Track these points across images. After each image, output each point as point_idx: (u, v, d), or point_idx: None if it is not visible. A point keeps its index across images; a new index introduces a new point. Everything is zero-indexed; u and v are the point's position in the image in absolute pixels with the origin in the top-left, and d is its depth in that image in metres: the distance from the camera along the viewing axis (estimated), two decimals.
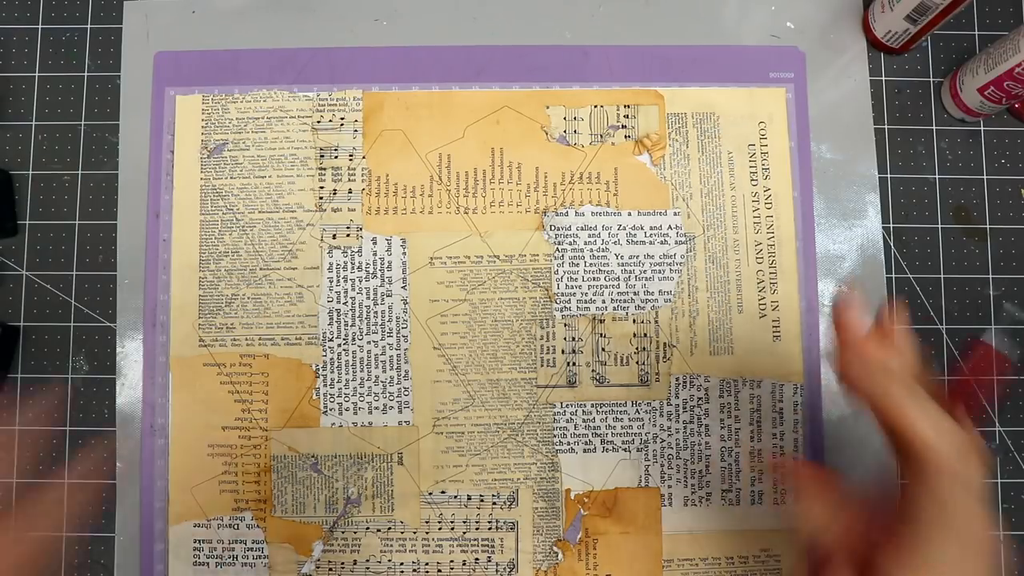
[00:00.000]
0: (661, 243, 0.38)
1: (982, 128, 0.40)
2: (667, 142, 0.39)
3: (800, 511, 0.28)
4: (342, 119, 0.39)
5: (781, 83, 0.40)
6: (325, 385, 0.38)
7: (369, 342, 0.38)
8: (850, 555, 0.26)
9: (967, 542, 0.24)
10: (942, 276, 0.39)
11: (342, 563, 0.37)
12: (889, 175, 0.39)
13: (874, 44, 0.40)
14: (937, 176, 0.40)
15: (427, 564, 0.37)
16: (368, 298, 0.38)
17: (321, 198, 0.38)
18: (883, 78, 0.40)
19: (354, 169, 0.39)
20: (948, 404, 0.25)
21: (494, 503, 0.37)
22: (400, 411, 0.37)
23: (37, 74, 0.40)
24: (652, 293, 0.38)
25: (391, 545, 0.37)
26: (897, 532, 0.25)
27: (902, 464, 0.25)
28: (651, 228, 0.38)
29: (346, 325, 0.38)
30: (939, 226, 0.39)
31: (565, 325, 0.38)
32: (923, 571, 0.24)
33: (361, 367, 0.38)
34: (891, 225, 0.39)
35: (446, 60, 0.39)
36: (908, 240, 0.39)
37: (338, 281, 0.38)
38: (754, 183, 0.39)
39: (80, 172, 0.39)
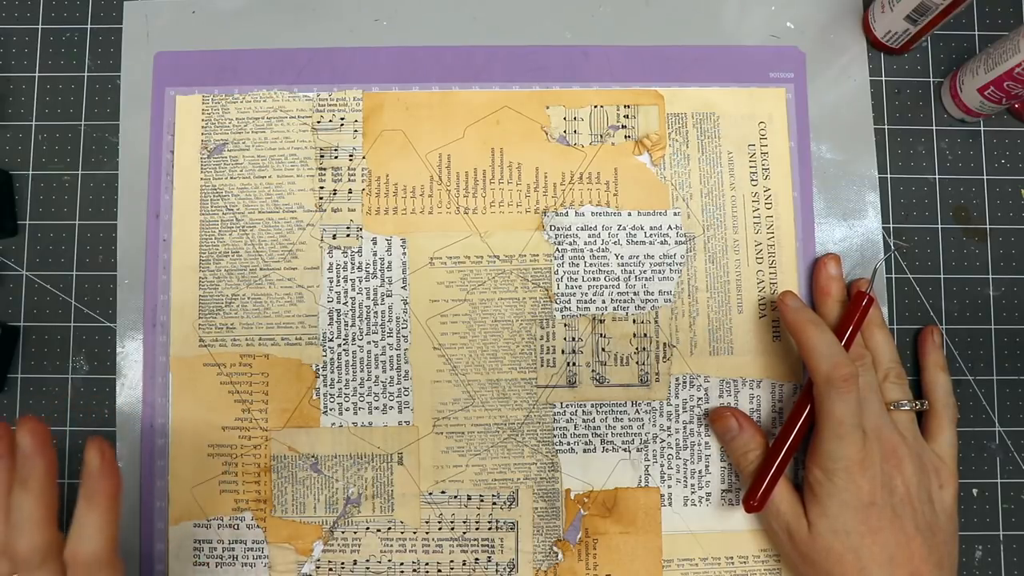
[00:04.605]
0: (661, 243, 0.38)
1: (982, 128, 0.40)
2: (667, 142, 0.39)
3: (735, 447, 0.36)
4: (342, 119, 0.39)
5: (781, 83, 0.40)
6: (325, 385, 0.38)
7: (369, 342, 0.38)
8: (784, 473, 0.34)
9: (854, 438, 0.32)
10: (942, 276, 0.39)
11: (342, 563, 0.37)
12: (889, 175, 0.39)
13: (874, 44, 0.40)
14: (937, 176, 0.40)
15: (427, 564, 0.37)
16: (368, 298, 0.38)
17: (321, 198, 0.38)
18: (883, 78, 0.40)
19: (354, 169, 0.39)
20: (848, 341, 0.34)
21: (494, 503, 0.37)
22: (400, 411, 0.37)
23: (37, 74, 0.40)
24: (652, 293, 0.38)
25: (391, 545, 0.37)
26: (814, 444, 0.33)
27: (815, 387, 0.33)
28: (651, 228, 0.38)
29: (346, 325, 0.38)
30: (939, 226, 0.39)
31: (565, 325, 0.38)
32: (822, 461, 0.32)
33: (361, 367, 0.38)
34: (891, 225, 0.39)
35: (446, 60, 0.39)
36: (908, 240, 0.39)
37: (338, 281, 0.38)
38: (754, 183, 0.39)
39: (80, 172, 0.39)
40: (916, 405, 0.35)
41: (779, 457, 0.34)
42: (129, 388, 0.38)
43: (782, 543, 0.34)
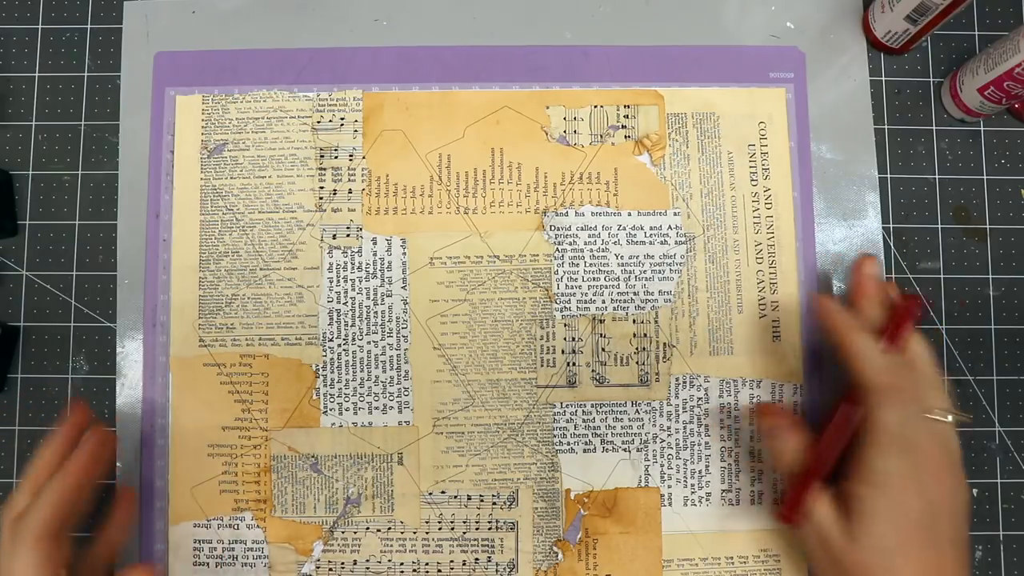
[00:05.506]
0: (661, 243, 0.38)
1: (982, 128, 0.40)
2: (667, 142, 0.39)
3: (776, 446, 0.34)
4: (342, 119, 0.39)
5: (781, 83, 0.40)
6: (325, 385, 0.38)
7: (369, 342, 0.38)
8: (824, 482, 0.32)
9: (902, 451, 0.30)
10: (942, 276, 0.39)
11: (342, 563, 0.37)
12: (889, 175, 0.39)
13: (874, 44, 0.40)
14: (937, 176, 0.40)
15: (427, 564, 0.37)
16: (368, 298, 0.38)
17: (321, 198, 0.38)
18: (883, 78, 0.40)
19: (354, 169, 0.39)
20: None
21: (494, 503, 0.37)
22: (400, 411, 0.37)
23: (37, 74, 0.40)
24: (652, 293, 0.38)
25: (391, 545, 0.37)
26: (856, 455, 0.32)
27: (859, 394, 0.32)
28: (651, 228, 0.38)
29: (346, 325, 0.38)
30: (939, 226, 0.39)
31: (565, 325, 0.38)
32: (868, 475, 0.31)
33: (361, 367, 0.38)
34: (891, 225, 0.39)
35: (446, 60, 0.39)
36: (908, 240, 0.39)
37: (338, 281, 0.38)
38: (754, 183, 0.39)
39: (80, 172, 0.39)
40: (957, 415, 0.33)
41: (820, 470, 0.32)
42: (129, 388, 0.38)
43: (812, 548, 0.32)
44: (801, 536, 0.33)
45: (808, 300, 0.38)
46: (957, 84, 0.39)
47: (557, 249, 0.38)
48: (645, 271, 0.38)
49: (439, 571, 0.37)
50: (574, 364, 0.38)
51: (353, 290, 0.38)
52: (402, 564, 0.37)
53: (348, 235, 0.38)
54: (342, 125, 0.39)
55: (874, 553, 0.30)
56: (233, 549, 0.37)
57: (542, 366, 0.38)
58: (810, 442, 0.33)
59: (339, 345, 0.38)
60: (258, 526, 0.37)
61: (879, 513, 0.31)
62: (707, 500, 0.37)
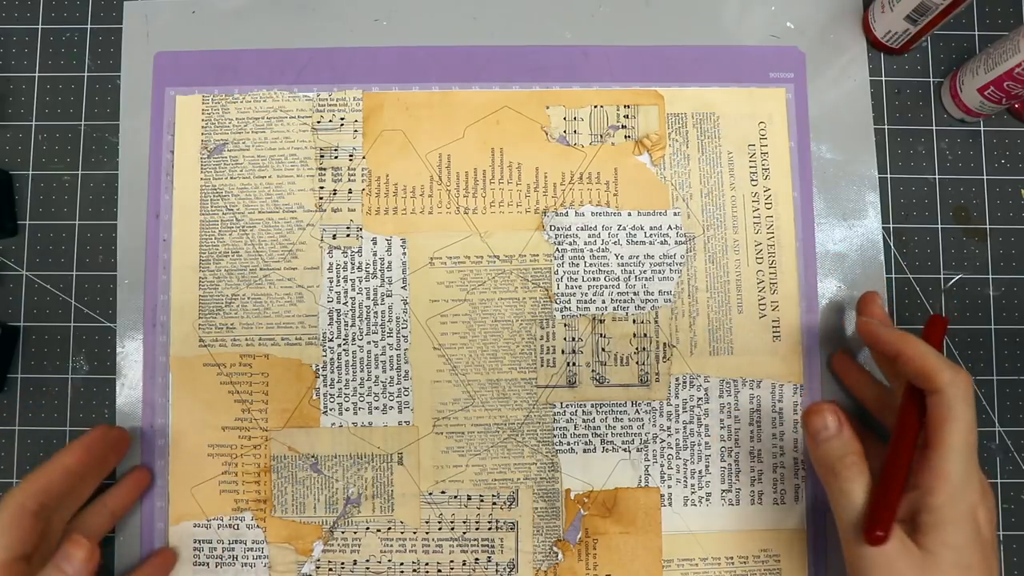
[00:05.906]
0: (661, 243, 0.38)
1: (982, 128, 0.40)
2: (667, 142, 0.39)
3: (822, 452, 0.31)
4: (342, 119, 0.39)
5: (781, 83, 0.40)
6: (325, 385, 0.38)
7: (369, 342, 0.38)
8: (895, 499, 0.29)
9: (968, 438, 0.28)
10: (942, 276, 0.39)
11: (342, 563, 0.37)
12: (889, 175, 0.39)
13: (874, 44, 0.40)
14: (937, 176, 0.40)
15: (427, 564, 0.37)
16: (368, 298, 0.38)
17: (321, 198, 0.38)
18: (883, 78, 0.40)
19: (354, 169, 0.39)
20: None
21: (494, 503, 0.37)
22: (400, 411, 0.37)
23: (37, 74, 0.40)
24: (652, 293, 0.38)
25: (391, 545, 0.37)
26: (924, 463, 0.29)
27: (925, 396, 0.30)
28: (651, 228, 0.38)
29: (346, 325, 0.38)
30: (939, 226, 0.39)
31: (565, 325, 0.38)
32: (946, 486, 0.28)
33: (361, 367, 0.38)
34: (891, 225, 0.39)
35: (446, 60, 0.39)
36: (908, 240, 0.39)
37: (338, 281, 0.38)
38: (754, 183, 0.39)
39: (80, 172, 0.39)
40: None
41: (900, 478, 0.29)
42: (129, 388, 0.38)
43: (864, 568, 0.29)
44: (855, 557, 0.29)
45: (807, 300, 0.38)
46: (957, 84, 0.39)
47: (557, 249, 0.38)
48: (645, 271, 0.38)
49: (439, 571, 0.37)
50: (574, 364, 0.38)
51: (353, 290, 0.38)
52: (402, 564, 0.37)
53: (348, 235, 0.38)
54: (342, 125, 0.39)
55: (956, 570, 0.28)
56: (233, 549, 0.37)
57: (542, 366, 0.38)
58: (858, 447, 0.30)
59: (339, 345, 0.38)
60: (258, 526, 0.37)
61: (958, 523, 0.28)
62: (707, 500, 0.37)
